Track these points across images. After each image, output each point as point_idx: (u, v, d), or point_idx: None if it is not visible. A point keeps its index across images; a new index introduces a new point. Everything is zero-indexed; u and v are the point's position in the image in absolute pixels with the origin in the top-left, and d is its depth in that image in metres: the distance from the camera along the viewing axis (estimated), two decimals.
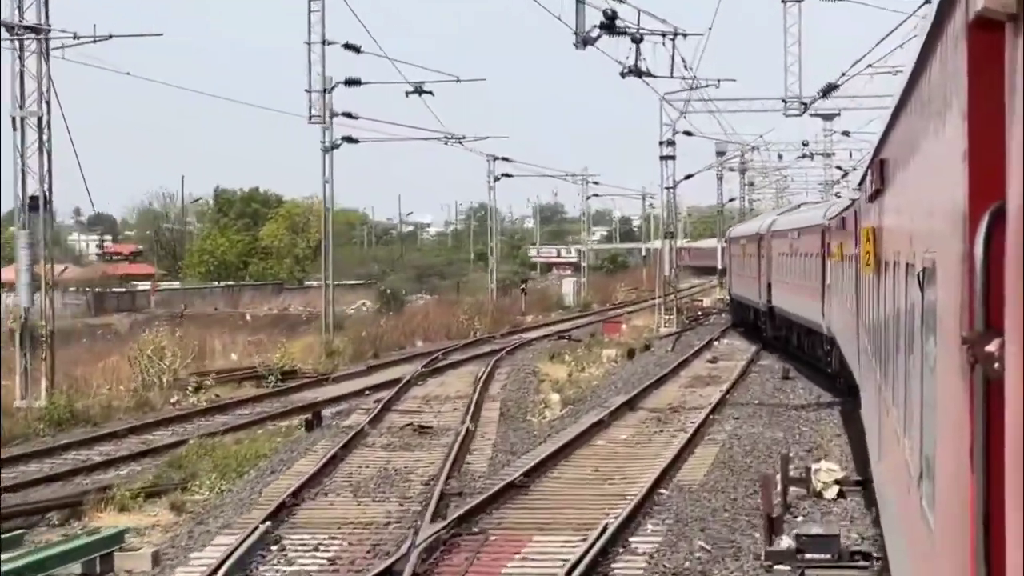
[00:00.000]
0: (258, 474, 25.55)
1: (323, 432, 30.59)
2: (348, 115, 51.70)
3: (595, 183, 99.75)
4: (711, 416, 31.28)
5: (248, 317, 78.36)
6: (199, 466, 26.35)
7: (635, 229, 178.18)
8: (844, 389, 32.73)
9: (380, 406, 33.90)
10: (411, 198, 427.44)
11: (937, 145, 5.95)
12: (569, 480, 23.79)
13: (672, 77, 36.87)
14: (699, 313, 75.37)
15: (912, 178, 8.04)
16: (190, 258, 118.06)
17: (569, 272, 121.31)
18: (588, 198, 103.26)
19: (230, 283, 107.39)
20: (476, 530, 19.51)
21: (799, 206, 58.81)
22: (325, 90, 47.14)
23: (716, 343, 53.87)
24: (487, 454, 27.17)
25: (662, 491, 22.39)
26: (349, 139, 53.29)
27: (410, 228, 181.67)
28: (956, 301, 4.91)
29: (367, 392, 38.89)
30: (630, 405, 33.27)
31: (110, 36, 33.86)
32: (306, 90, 47.25)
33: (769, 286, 49.16)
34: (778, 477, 21.79)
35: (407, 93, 47.90)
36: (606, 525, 18.88)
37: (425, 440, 29.14)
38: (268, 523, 19.43)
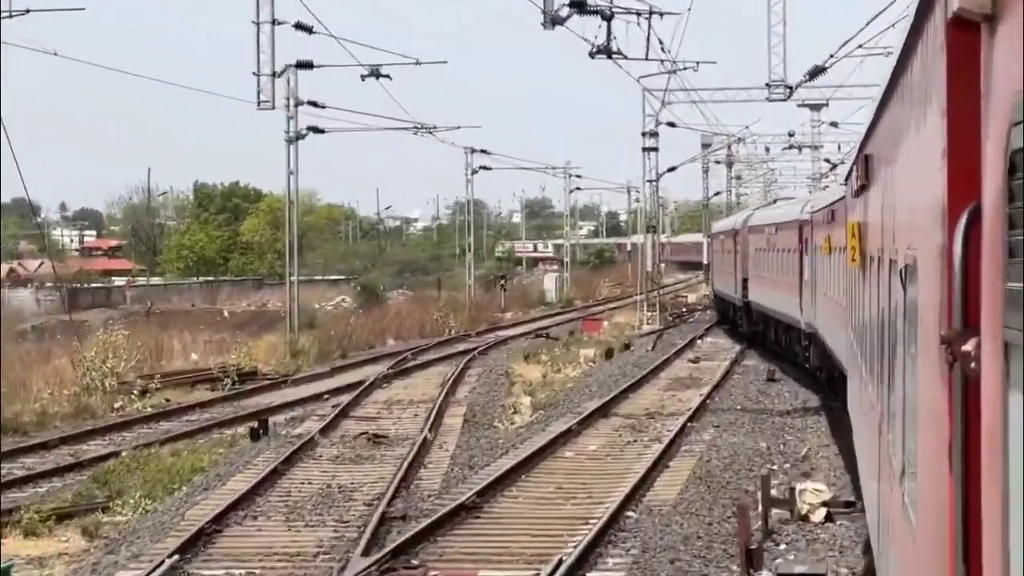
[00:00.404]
0: (190, 491, 23.27)
1: (269, 442, 28.28)
2: (313, 104, 49.24)
3: (578, 176, 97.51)
4: (689, 424, 29.06)
5: (226, 313, 76.39)
6: (127, 482, 24.07)
7: (622, 224, 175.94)
8: (826, 385, 31.54)
9: (336, 412, 31.71)
10: (401, 193, 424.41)
11: (918, 142, 5.92)
12: (528, 500, 21.45)
13: (648, 59, 34.52)
14: (683, 310, 73.25)
15: (895, 174, 7.96)
16: (168, 253, 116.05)
17: (555, 267, 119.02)
18: (571, 192, 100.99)
19: (209, 279, 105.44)
20: (415, 563, 17.20)
21: (775, 201, 58.37)
22: (274, 73, 44.59)
23: (699, 341, 51.70)
24: (443, 468, 24.84)
25: (629, 513, 20.08)
26: (315, 129, 50.75)
27: (396, 223, 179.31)
28: (936, 299, 4.94)
29: (327, 396, 36.54)
30: (603, 411, 31.03)
31: (27, 11, 31.40)
32: (254, 73, 44.58)
33: (744, 281, 48.04)
34: (759, 496, 19.58)
35: (363, 76, 45.37)
36: (560, 559, 16.58)
37: (378, 451, 26.88)
38: (176, 556, 17.09)
